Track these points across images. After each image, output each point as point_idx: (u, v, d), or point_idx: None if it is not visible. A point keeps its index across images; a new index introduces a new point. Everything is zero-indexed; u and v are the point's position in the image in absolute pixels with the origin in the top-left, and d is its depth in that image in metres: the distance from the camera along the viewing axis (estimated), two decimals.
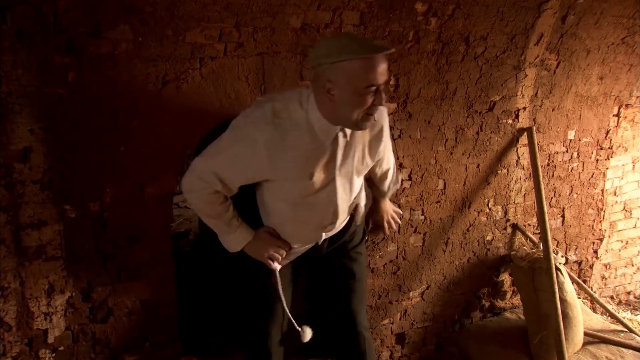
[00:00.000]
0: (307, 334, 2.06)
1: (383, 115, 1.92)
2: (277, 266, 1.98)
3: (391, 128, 2.45)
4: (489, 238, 3.16)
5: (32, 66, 1.85)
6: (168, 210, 2.23)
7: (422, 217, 2.91)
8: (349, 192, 1.94)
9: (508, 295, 3.32)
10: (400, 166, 2.73)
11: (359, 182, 1.99)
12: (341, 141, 1.79)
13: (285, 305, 2.03)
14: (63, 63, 1.89)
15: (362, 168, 1.94)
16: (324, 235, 2.02)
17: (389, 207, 2.41)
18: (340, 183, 1.86)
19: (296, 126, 1.72)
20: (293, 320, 2.06)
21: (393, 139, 2.59)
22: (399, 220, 2.51)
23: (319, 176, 1.80)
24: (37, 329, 2.07)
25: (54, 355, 2.12)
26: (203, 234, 3.68)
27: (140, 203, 2.15)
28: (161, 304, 2.28)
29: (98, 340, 2.19)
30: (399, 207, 2.80)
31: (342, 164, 1.83)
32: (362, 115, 1.66)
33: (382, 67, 1.60)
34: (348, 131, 1.79)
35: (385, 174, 2.18)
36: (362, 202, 2.13)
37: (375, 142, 1.93)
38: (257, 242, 1.96)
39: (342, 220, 2.01)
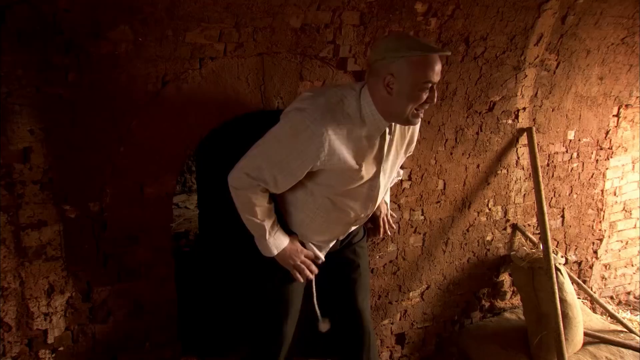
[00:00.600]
0: (326, 325, 2.13)
1: None
2: (300, 279, 1.99)
3: None
4: (488, 238, 3.16)
5: (32, 66, 1.85)
6: (168, 210, 2.23)
7: (422, 218, 2.91)
8: (385, 186, 2.04)
9: (508, 296, 3.32)
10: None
11: (392, 177, 2.07)
12: (387, 137, 1.87)
13: (315, 299, 2.07)
14: (63, 63, 1.89)
15: (398, 163, 2.04)
16: (351, 229, 2.08)
17: (386, 204, 2.43)
18: (382, 176, 1.94)
19: (350, 119, 1.77)
20: (318, 310, 2.09)
21: None
22: (395, 216, 2.52)
23: (367, 168, 1.86)
24: (37, 329, 2.07)
25: (54, 355, 2.12)
26: (203, 234, 3.69)
27: (140, 203, 2.15)
28: (161, 304, 2.28)
29: (98, 340, 2.19)
30: (399, 207, 2.80)
31: (385, 158, 1.91)
32: (414, 112, 1.75)
33: (439, 67, 1.72)
34: (393, 128, 1.88)
35: None
36: (387, 196, 2.27)
37: (410, 141, 2.03)
38: (290, 249, 1.96)
39: (372, 213, 2.08)
